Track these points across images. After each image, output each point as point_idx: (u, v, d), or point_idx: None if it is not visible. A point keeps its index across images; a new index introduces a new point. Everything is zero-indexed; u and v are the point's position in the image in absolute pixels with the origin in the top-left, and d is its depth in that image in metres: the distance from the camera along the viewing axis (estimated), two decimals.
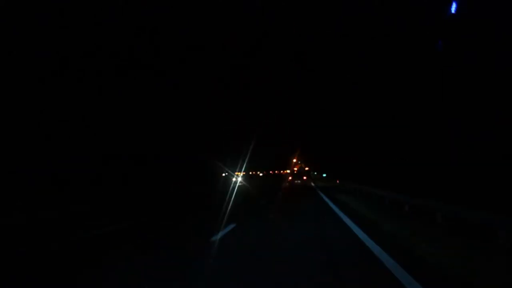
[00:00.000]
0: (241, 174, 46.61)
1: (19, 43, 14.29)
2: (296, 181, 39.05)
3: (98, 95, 17.65)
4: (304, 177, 41.08)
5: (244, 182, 33.34)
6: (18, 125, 14.23)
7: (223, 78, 32.27)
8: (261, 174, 67.52)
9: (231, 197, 14.16)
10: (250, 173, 60.79)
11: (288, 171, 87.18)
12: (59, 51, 15.86)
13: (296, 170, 71.95)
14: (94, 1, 16.84)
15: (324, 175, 39.86)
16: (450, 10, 10.66)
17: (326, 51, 38.67)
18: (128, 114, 19.70)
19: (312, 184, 38.16)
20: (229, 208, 10.36)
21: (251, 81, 39.11)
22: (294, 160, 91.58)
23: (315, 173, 68.74)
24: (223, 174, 39.16)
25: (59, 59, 15.90)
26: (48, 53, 15.47)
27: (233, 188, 20.22)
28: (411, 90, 18.42)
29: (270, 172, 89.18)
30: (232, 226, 7.18)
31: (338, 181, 28.09)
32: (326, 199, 14.54)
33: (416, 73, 17.65)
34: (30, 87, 14.83)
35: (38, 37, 14.88)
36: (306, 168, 71.54)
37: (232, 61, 31.72)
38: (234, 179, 32.91)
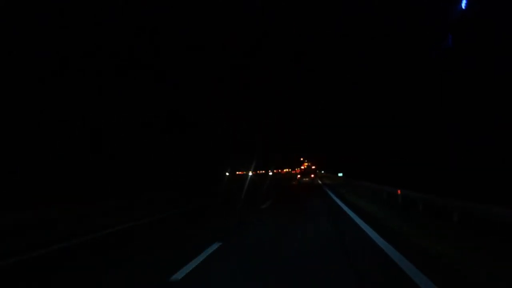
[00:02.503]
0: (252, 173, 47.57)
1: (19, 43, 14.26)
2: (304, 179, 40.23)
3: (98, 95, 17.63)
4: (312, 175, 42.80)
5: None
6: (18, 125, 14.23)
7: (223, 78, 32.22)
8: (270, 173, 67.81)
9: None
10: (257, 172, 60.96)
11: (297, 169, 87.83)
12: (59, 51, 15.82)
13: (304, 169, 72.58)
14: (94, 1, 16.81)
15: (340, 174, 36.71)
16: (459, 8, 10.63)
17: (326, 51, 38.62)
18: (128, 114, 19.70)
19: (319, 181, 39.01)
20: None
21: (251, 81, 39.10)
22: (301, 159, 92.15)
23: (322, 171, 69.19)
24: (227, 174, 39.75)
25: (59, 59, 15.86)
26: (48, 53, 15.44)
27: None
28: (410, 90, 18.43)
29: (280, 170, 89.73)
30: None
31: (399, 191, 15.04)
32: None
33: (415, 74, 17.65)
34: (30, 87, 14.80)
35: (38, 37, 14.84)
36: (313, 167, 72.15)
37: (232, 61, 31.69)
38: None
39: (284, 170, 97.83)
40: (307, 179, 40.69)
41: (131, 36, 19.29)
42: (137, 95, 20.40)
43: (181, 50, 24.87)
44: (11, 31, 13.84)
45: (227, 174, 41.07)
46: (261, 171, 72.12)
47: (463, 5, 10.49)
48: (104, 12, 17.11)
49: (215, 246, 6.21)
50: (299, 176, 44.90)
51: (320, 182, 38.19)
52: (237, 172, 53.91)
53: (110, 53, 18.07)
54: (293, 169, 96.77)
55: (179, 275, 4.55)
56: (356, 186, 22.42)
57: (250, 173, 49.12)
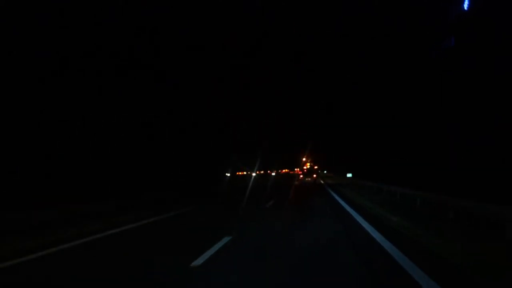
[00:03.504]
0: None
1: (19, 43, 14.24)
2: (307, 179, 41.59)
3: (98, 95, 17.60)
4: (314, 175, 44.51)
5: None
6: (18, 125, 14.21)
7: (223, 78, 32.19)
8: (273, 174, 67.66)
9: None
10: (259, 172, 60.73)
11: (296, 169, 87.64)
12: (59, 51, 15.80)
13: (306, 169, 73.01)
14: (94, 1, 16.79)
15: (349, 175, 33.78)
16: (459, 8, 10.61)
17: (326, 51, 38.58)
18: (128, 114, 19.69)
19: (321, 181, 39.34)
20: None
21: (251, 81, 39.08)
22: (304, 159, 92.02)
23: (325, 171, 69.56)
24: (227, 174, 39.82)
25: (59, 59, 15.84)
26: (48, 53, 15.42)
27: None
28: (410, 90, 18.41)
29: (280, 171, 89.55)
30: None
31: None
32: None
33: (415, 74, 17.63)
34: (30, 87, 14.78)
35: (38, 37, 14.82)
36: (315, 167, 72.66)
37: (232, 61, 31.65)
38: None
39: (283, 170, 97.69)
40: (309, 178, 42.43)
41: (131, 36, 19.28)
42: (137, 95, 20.39)
43: (181, 50, 24.85)
44: (11, 31, 13.83)
45: (227, 174, 41.08)
46: (260, 172, 71.98)
47: (464, 5, 10.48)
48: (104, 12, 17.10)
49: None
50: (301, 176, 46.52)
51: (322, 182, 38.87)
52: (237, 173, 53.87)
53: (110, 53, 18.05)
54: (292, 169, 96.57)
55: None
56: (361, 186, 22.24)
57: (254, 174, 49.38)
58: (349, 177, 33.01)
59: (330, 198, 16.77)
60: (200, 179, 28.01)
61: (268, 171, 70.23)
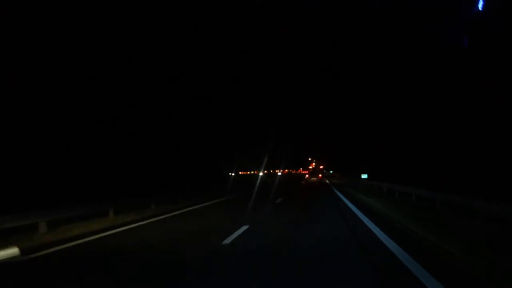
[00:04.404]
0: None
1: (19, 43, 14.26)
2: (312, 178, 41.34)
3: (99, 96, 17.63)
4: (319, 175, 44.37)
5: None
6: (18, 125, 14.26)
7: (227, 79, 32.15)
8: (279, 173, 67.23)
9: None
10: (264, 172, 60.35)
11: (300, 170, 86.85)
12: (59, 51, 15.80)
13: (312, 169, 72.70)
14: (94, 1, 16.78)
15: (364, 176, 29.83)
16: (475, 9, 10.37)
17: (328, 49, 38.38)
18: (134, 116, 19.73)
19: (326, 180, 38.91)
20: None
21: (257, 84, 39.01)
22: (309, 159, 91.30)
23: (331, 171, 69.27)
24: (231, 174, 39.50)
25: (61, 59, 15.84)
26: (48, 53, 15.44)
27: None
28: (414, 88, 18.16)
29: (284, 171, 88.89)
30: None
31: None
32: None
33: (418, 71, 17.42)
34: (30, 87, 14.82)
35: (38, 37, 14.84)
36: (321, 167, 72.46)
37: (234, 62, 31.63)
38: None
39: (286, 170, 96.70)
40: (315, 178, 42.11)
41: (132, 36, 19.29)
42: (144, 95, 20.44)
43: (182, 50, 24.83)
44: (11, 31, 13.85)
45: (231, 174, 40.72)
46: (264, 171, 71.70)
47: (480, 6, 10.20)
48: (104, 12, 17.11)
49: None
50: (307, 176, 46.46)
51: (327, 181, 38.26)
52: (240, 172, 53.70)
53: (110, 53, 18.06)
54: (296, 169, 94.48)
55: None
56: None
57: (261, 174, 48.99)
58: (364, 179, 29.98)
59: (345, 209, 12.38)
60: (206, 178, 27.55)
61: (271, 171, 70.06)
